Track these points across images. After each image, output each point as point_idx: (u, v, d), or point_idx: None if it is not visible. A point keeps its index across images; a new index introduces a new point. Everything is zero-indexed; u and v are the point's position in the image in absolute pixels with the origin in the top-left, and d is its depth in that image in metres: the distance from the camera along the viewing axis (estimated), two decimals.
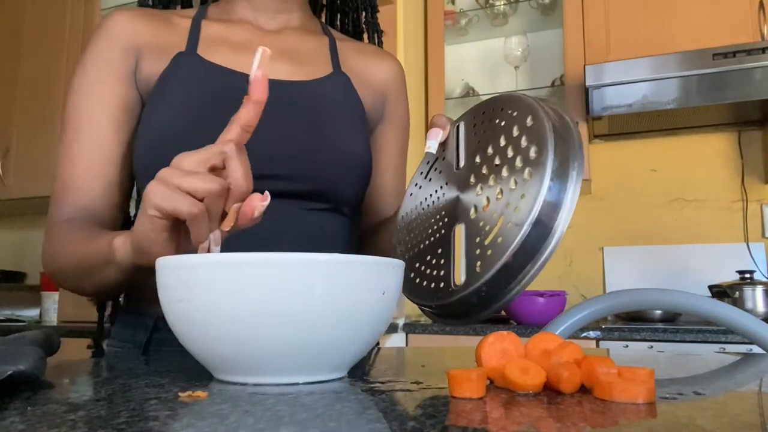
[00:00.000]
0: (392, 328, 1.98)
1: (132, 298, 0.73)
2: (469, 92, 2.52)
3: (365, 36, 0.95)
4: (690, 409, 0.31)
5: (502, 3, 2.46)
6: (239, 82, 0.70)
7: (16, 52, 2.73)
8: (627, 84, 2.03)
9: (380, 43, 0.95)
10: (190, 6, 0.88)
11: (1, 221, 3.10)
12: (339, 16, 0.95)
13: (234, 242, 0.64)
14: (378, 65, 0.85)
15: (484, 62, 2.63)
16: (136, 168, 0.70)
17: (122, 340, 0.71)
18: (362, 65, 0.83)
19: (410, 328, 2.00)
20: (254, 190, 0.65)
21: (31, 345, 0.40)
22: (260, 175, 0.63)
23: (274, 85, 0.71)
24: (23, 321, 2.58)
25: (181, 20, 0.77)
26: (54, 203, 0.69)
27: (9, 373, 0.34)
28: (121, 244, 0.53)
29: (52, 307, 2.43)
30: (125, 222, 0.75)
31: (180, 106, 0.67)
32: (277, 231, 0.68)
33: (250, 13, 0.79)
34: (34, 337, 0.43)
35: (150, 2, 0.84)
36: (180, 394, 0.35)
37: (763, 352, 0.80)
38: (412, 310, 2.16)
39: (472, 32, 2.58)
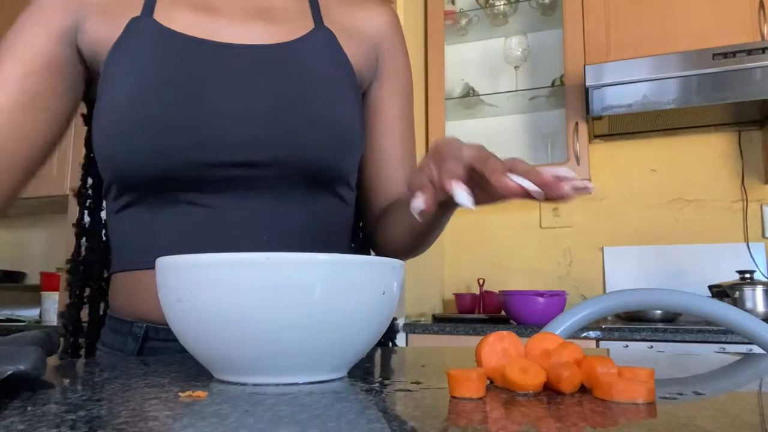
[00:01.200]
0: (391, 328, 1.98)
1: (118, 305, 0.67)
2: (469, 92, 2.52)
3: None
4: (690, 409, 0.31)
5: (502, 3, 2.46)
6: (200, 51, 0.62)
7: None
8: (627, 84, 2.04)
9: None
10: None
11: (1, 221, 3.10)
12: None
13: (224, 235, 0.62)
14: (367, 14, 0.75)
15: (484, 62, 2.63)
16: (95, 152, 0.63)
17: (112, 348, 0.66)
18: (349, 16, 0.73)
19: (410, 328, 2.00)
20: (230, 179, 0.62)
21: (31, 345, 0.40)
22: (235, 163, 0.60)
23: (244, 52, 0.64)
24: (23, 321, 2.58)
25: None
26: None
27: (9, 373, 0.34)
28: None
29: (52, 307, 2.43)
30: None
31: (136, 86, 0.60)
32: (260, 229, 0.63)
33: None
34: (34, 337, 0.43)
35: None
36: (180, 394, 0.35)
37: (763, 352, 0.80)
38: (412, 310, 2.16)
39: (472, 32, 2.58)
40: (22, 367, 0.35)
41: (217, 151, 0.60)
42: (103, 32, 0.64)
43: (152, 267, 0.61)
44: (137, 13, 0.64)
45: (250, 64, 0.63)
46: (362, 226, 0.82)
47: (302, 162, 0.62)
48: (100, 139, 0.61)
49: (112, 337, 0.66)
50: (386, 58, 0.76)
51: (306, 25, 0.69)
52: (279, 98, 0.62)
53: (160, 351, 0.63)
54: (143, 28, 0.63)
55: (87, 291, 0.74)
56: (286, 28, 0.68)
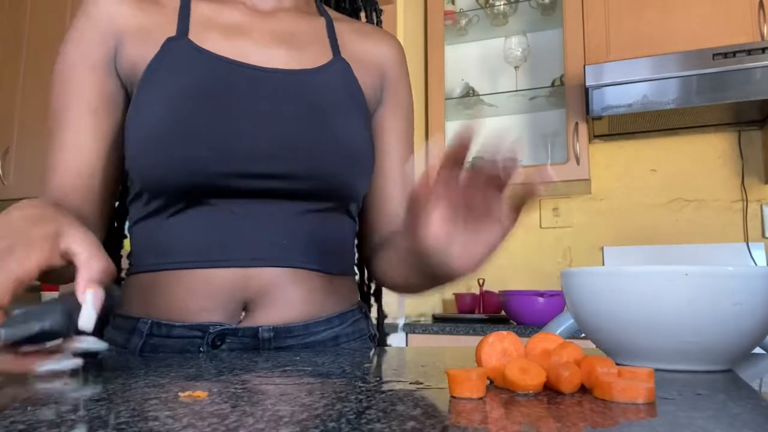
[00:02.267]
0: (392, 328, 1.98)
1: (126, 304, 0.70)
2: (469, 92, 2.52)
3: (363, 15, 0.91)
4: (690, 409, 0.31)
5: (502, 3, 2.45)
6: (229, 70, 0.67)
7: (17, 52, 2.73)
8: (627, 84, 2.03)
9: (379, 23, 0.91)
10: None
11: None
12: None
13: (242, 238, 0.66)
14: (377, 46, 0.80)
15: (484, 62, 2.63)
16: (128, 162, 0.67)
17: (116, 345, 0.68)
18: (361, 48, 0.79)
19: (410, 328, 2.00)
20: (254, 190, 0.67)
21: (60, 303, 0.44)
22: (258, 174, 0.64)
23: (271, 75, 0.68)
24: None
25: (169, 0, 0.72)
26: (44, 183, 0.69)
27: (36, 330, 0.39)
28: None
29: None
30: (114, 212, 0.75)
31: (170, 100, 0.64)
32: (280, 233, 0.67)
33: None
34: (67, 299, 0.45)
35: None
36: (180, 394, 0.35)
37: (763, 352, 0.79)
38: (412, 310, 2.16)
39: (472, 32, 2.58)
40: (47, 326, 0.40)
41: (237, 162, 0.64)
42: (140, 52, 0.68)
43: (169, 268, 0.66)
44: (172, 33, 0.69)
45: (274, 86, 0.68)
46: (360, 249, 0.85)
47: (317, 178, 0.67)
48: (135, 149, 0.65)
49: (114, 333, 0.69)
50: (391, 85, 0.81)
51: (325, 55, 0.74)
52: (298, 119, 0.67)
53: (160, 347, 0.65)
54: (178, 48, 0.67)
55: None
56: (307, 55, 0.73)
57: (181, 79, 0.65)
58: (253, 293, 0.66)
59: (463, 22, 2.54)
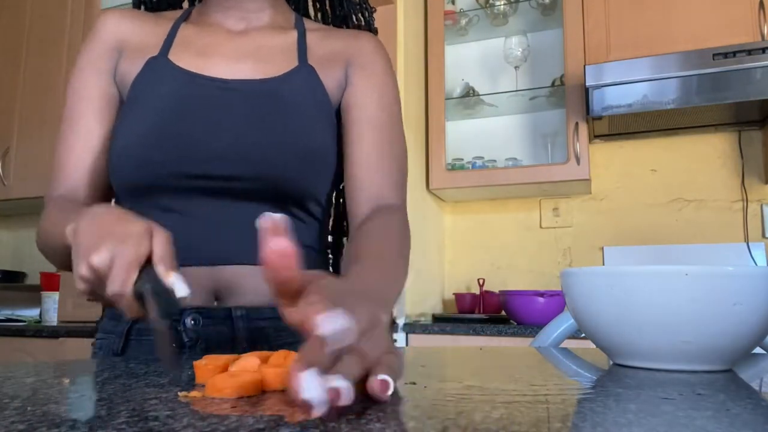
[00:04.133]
0: (392, 328, 1.98)
1: None
2: (469, 92, 2.52)
3: (356, 17, 0.91)
4: (690, 409, 0.31)
5: (502, 3, 2.45)
6: (196, 82, 0.73)
7: (17, 52, 2.73)
8: (627, 84, 2.03)
9: (370, 23, 0.90)
10: (180, 8, 0.90)
11: (1, 221, 3.10)
12: None
13: (201, 239, 0.71)
14: (346, 42, 0.81)
15: (484, 62, 2.63)
16: (109, 170, 0.73)
17: (107, 332, 0.74)
18: (329, 50, 0.80)
19: (410, 328, 2.00)
20: (210, 190, 0.71)
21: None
22: (211, 176, 0.70)
23: (234, 85, 0.74)
24: (23, 321, 2.58)
25: (166, 22, 0.80)
26: (50, 182, 0.76)
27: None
28: (70, 233, 0.56)
29: (52, 307, 2.43)
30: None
31: (143, 112, 0.71)
32: (240, 233, 0.71)
33: (221, 15, 0.80)
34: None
35: (141, 6, 0.88)
36: (180, 393, 0.35)
37: (763, 352, 0.79)
38: (412, 310, 2.16)
39: (472, 32, 2.58)
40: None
41: (197, 164, 0.69)
42: (130, 69, 0.76)
43: None
44: (156, 53, 0.77)
45: (237, 94, 0.73)
46: (349, 232, 0.83)
47: (271, 178, 0.71)
48: (113, 157, 0.72)
49: (108, 323, 0.76)
50: (357, 64, 0.79)
51: (291, 63, 0.77)
52: (251, 124, 0.71)
53: (143, 331, 0.71)
54: (156, 65, 0.75)
55: None
56: (272, 65, 0.77)
57: (154, 93, 0.73)
58: (222, 286, 0.71)
59: (463, 22, 2.54)
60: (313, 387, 0.28)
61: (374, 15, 0.93)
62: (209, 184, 0.70)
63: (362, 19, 0.91)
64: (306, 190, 0.73)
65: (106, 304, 0.55)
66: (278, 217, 0.36)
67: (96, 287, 0.51)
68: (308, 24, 0.85)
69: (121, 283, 0.48)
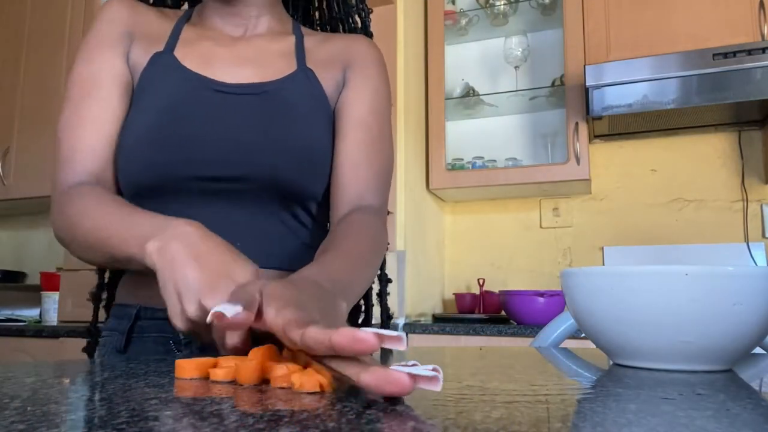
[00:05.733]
0: (392, 328, 1.98)
1: (124, 293, 0.76)
2: (469, 92, 2.52)
3: (352, 19, 0.93)
4: (690, 409, 0.31)
5: (502, 3, 2.45)
6: (199, 85, 0.73)
7: (17, 52, 2.73)
8: (627, 84, 2.03)
9: (366, 26, 0.91)
10: (179, 8, 0.91)
11: (1, 221, 3.10)
12: (325, 1, 0.94)
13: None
14: (344, 45, 0.83)
15: (484, 62, 2.63)
16: (117, 168, 0.73)
17: (111, 330, 0.75)
18: (327, 53, 0.82)
19: (410, 328, 2.00)
20: (211, 191, 0.71)
21: None
22: (222, 178, 0.71)
23: (235, 89, 0.75)
24: (23, 321, 2.58)
25: (169, 20, 0.81)
26: (62, 168, 0.70)
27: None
28: (154, 251, 0.55)
29: (52, 307, 2.42)
30: None
31: (153, 113, 0.71)
32: (239, 234, 0.71)
33: (219, 21, 0.82)
34: None
35: None
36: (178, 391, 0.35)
37: (763, 352, 0.79)
38: (412, 310, 2.16)
39: (472, 32, 2.58)
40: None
41: (202, 166, 0.70)
42: (140, 59, 0.76)
43: None
44: (161, 48, 0.77)
45: (238, 98, 0.74)
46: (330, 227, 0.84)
47: (272, 180, 0.72)
48: (121, 156, 0.72)
49: (111, 320, 0.76)
50: (355, 66, 0.82)
51: (290, 67, 0.79)
52: (258, 125, 0.72)
53: (145, 328, 0.72)
54: (162, 61, 0.75)
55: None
56: (272, 69, 0.78)
57: (161, 90, 0.73)
58: None
59: (463, 22, 2.54)
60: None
61: (372, 16, 0.94)
62: (213, 186, 0.71)
63: (359, 21, 0.92)
64: (307, 190, 0.74)
65: (202, 341, 0.52)
66: (228, 308, 0.42)
67: (199, 327, 0.49)
68: (306, 29, 0.87)
69: (244, 339, 0.45)
